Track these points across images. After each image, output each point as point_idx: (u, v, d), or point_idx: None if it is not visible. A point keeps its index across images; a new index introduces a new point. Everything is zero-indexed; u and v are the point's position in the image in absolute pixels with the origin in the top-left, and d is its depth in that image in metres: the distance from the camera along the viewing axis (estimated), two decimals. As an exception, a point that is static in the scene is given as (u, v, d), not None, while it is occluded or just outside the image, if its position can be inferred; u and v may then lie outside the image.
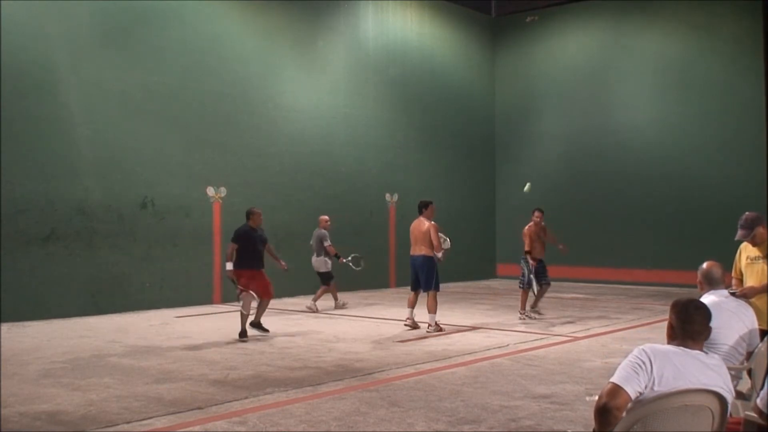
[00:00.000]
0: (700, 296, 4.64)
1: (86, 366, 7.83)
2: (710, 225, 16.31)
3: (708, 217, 16.62)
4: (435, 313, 10.29)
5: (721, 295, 4.72)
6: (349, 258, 13.27)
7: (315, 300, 12.90)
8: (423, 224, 10.36)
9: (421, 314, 10.47)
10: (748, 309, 4.76)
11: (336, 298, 13.27)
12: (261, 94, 15.13)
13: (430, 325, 10.27)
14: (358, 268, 13.39)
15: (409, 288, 10.78)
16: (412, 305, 10.55)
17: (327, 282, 13.00)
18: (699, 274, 4.90)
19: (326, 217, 13.24)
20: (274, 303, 14.08)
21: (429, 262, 10.27)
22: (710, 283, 4.83)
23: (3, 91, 11.34)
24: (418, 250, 10.34)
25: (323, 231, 12.99)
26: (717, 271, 4.86)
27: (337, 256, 12.90)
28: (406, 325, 10.50)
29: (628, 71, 18.44)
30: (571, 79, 19.37)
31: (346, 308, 13.08)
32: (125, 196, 12.83)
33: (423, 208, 10.50)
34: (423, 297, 10.42)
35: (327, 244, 12.82)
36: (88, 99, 12.45)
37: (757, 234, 5.54)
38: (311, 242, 13.16)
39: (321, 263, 12.98)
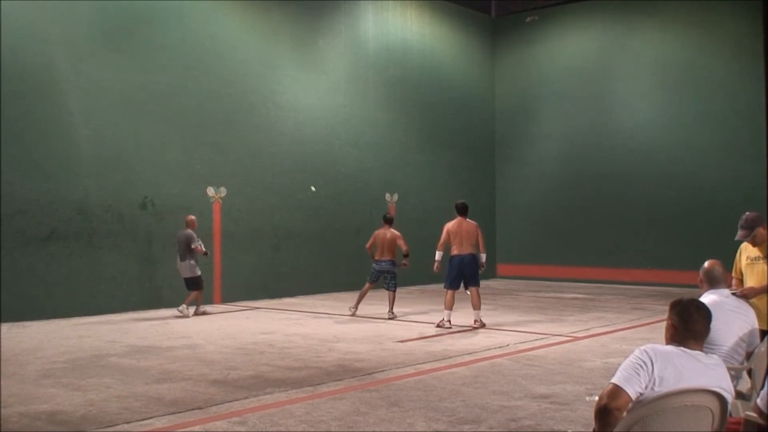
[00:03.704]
0: (701, 295, 4.64)
1: (86, 366, 7.83)
2: (710, 225, 16.31)
3: (708, 217, 16.62)
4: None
5: (722, 295, 4.72)
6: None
7: (187, 304, 12.10)
8: (470, 224, 10.78)
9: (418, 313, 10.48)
10: (749, 309, 4.76)
11: (199, 305, 12.30)
12: (261, 94, 15.12)
13: (477, 321, 10.70)
14: None
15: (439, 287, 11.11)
16: (452, 306, 10.65)
17: (196, 287, 12.19)
18: (701, 272, 4.90)
19: (194, 217, 12.46)
20: (273, 303, 14.14)
21: (476, 260, 10.83)
22: (711, 282, 4.83)
23: (3, 91, 11.34)
24: (466, 249, 10.71)
25: (190, 232, 12.16)
26: (718, 270, 4.86)
27: (206, 253, 12.37)
28: (442, 327, 10.50)
29: (628, 71, 18.44)
30: (571, 79, 19.36)
31: (206, 314, 12.22)
32: (125, 196, 12.83)
33: (465, 209, 10.90)
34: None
35: (194, 245, 12.02)
36: (88, 99, 12.45)
37: (757, 234, 5.53)
38: (178, 244, 12.26)
39: (186, 268, 12.12)
